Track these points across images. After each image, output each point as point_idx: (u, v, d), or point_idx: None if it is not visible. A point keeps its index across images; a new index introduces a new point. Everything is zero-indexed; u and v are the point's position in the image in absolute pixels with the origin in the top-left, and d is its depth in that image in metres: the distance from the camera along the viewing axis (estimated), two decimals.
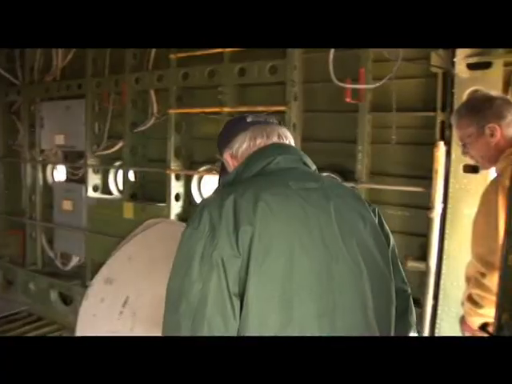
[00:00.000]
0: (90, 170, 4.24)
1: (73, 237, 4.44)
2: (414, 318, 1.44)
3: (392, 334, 1.31)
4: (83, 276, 4.39)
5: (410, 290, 1.46)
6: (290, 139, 1.47)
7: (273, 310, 1.16)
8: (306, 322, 1.17)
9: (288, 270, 1.17)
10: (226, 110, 3.40)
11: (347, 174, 3.04)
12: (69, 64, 4.58)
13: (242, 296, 1.15)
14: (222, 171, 1.55)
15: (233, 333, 1.15)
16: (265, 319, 1.15)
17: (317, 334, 1.18)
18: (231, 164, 1.46)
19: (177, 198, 3.75)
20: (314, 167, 1.44)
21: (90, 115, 4.24)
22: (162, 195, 3.81)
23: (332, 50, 2.75)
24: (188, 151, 3.78)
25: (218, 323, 1.14)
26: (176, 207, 3.73)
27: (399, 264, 1.41)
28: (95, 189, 4.28)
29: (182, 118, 3.74)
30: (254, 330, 1.15)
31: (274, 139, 1.43)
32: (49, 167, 4.86)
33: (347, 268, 1.23)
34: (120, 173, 4.20)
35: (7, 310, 4.85)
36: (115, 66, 4.15)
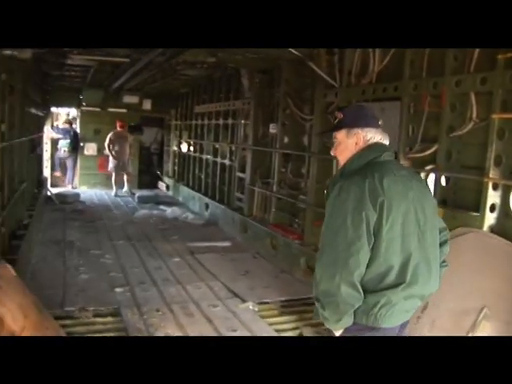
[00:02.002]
0: None
1: None
2: (447, 248, 2.52)
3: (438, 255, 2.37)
4: None
5: (447, 231, 2.55)
6: (388, 140, 2.45)
7: (395, 243, 2.18)
8: (411, 249, 2.20)
9: (402, 221, 2.19)
10: None
11: None
12: (384, 67, 5.02)
13: (374, 235, 2.16)
14: (335, 127, 2.49)
15: (367, 259, 2.16)
16: (390, 247, 2.17)
17: (417, 259, 2.21)
18: (351, 141, 2.40)
19: (492, 208, 3.73)
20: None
21: (404, 117, 4.56)
22: (475, 204, 3.87)
23: None
24: (509, 159, 3.70)
25: (365, 249, 2.14)
26: (490, 218, 3.72)
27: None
28: None
29: (505, 124, 3.69)
30: (381, 252, 2.16)
31: (386, 141, 2.44)
32: None
33: (424, 219, 2.27)
34: (431, 177, 4.41)
35: (305, 293, 5.58)
36: (433, 68, 4.38)
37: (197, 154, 11.63)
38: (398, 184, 2.23)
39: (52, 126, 13.88)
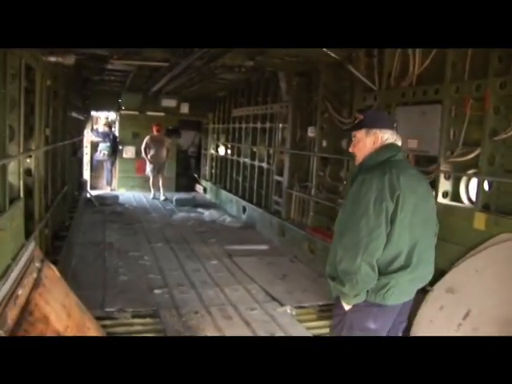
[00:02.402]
0: (441, 176, 4.51)
1: None
2: (435, 239, 2.89)
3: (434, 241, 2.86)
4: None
5: (438, 225, 2.94)
6: (400, 142, 2.84)
7: (406, 231, 2.59)
8: (417, 238, 2.63)
9: (412, 213, 2.60)
10: None
11: None
12: (425, 70, 4.96)
13: (390, 224, 2.55)
14: (356, 127, 2.87)
15: (385, 241, 2.55)
16: (402, 234, 2.58)
17: (421, 246, 2.64)
18: (369, 140, 2.78)
19: None
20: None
21: (446, 121, 4.50)
22: None
23: None
24: None
25: (383, 235, 2.53)
26: None
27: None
28: (444, 195, 4.50)
29: None
30: (394, 239, 2.57)
31: (399, 142, 2.82)
32: None
33: (426, 213, 2.73)
34: (473, 181, 4.36)
35: None
36: (476, 70, 4.32)
37: (234, 157, 11.75)
38: (410, 181, 2.65)
39: (92, 129, 14.25)
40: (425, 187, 2.80)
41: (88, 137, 13.76)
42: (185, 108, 13.74)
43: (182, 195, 13.03)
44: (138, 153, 13.66)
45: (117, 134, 14.17)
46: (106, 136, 13.86)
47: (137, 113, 13.66)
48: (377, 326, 2.71)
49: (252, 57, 6.75)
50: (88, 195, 11.67)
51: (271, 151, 9.35)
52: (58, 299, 3.63)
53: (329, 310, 5.23)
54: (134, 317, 4.83)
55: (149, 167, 12.83)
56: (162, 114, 13.47)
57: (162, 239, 8.26)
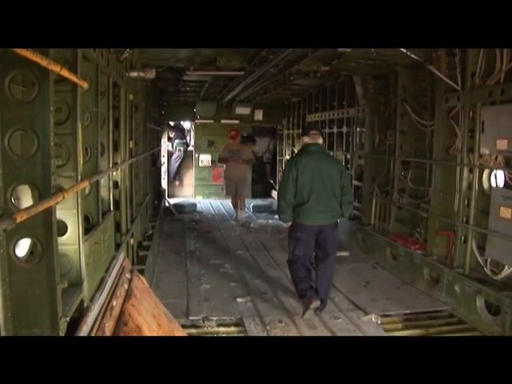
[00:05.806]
0: None
1: (507, 246, 4.61)
2: (346, 197, 5.30)
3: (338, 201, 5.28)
4: None
5: (347, 186, 5.38)
6: (320, 140, 5.44)
7: (306, 186, 5.13)
8: (314, 189, 5.11)
9: (311, 176, 5.12)
10: None
11: None
12: None
13: (297, 183, 5.16)
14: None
15: (293, 192, 5.17)
16: (304, 188, 5.13)
17: (318, 192, 5.13)
18: (303, 142, 5.45)
19: None
20: (324, 149, 5.88)
21: None
22: None
23: None
24: None
25: (291, 187, 5.15)
26: None
27: (344, 178, 5.33)
28: None
29: None
30: (299, 192, 5.12)
31: (319, 141, 5.39)
32: (486, 172, 5.14)
33: (326, 176, 5.16)
34: None
35: (430, 306, 5.44)
36: None
37: None
38: (312, 160, 5.13)
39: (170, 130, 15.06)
40: (327, 162, 5.23)
41: (165, 146, 14.28)
42: (259, 115, 13.95)
43: (259, 202, 13.16)
44: (213, 161, 14.00)
45: (189, 141, 15.09)
46: (182, 132, 14.83)
47: (211, 121, 13.99)
48: (301, 235, 5.19)
49: (328, 61, 6.75)
50: (167, 204, 12.02)
51: (349, 156, 9.28)
52: (148, 309, 3.77)
53: (416, 318, 5.16)
54: (218, 325, 4.93)
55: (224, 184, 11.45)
56: (236, 121, 13.71)
57: (242, 246, 8.39)
